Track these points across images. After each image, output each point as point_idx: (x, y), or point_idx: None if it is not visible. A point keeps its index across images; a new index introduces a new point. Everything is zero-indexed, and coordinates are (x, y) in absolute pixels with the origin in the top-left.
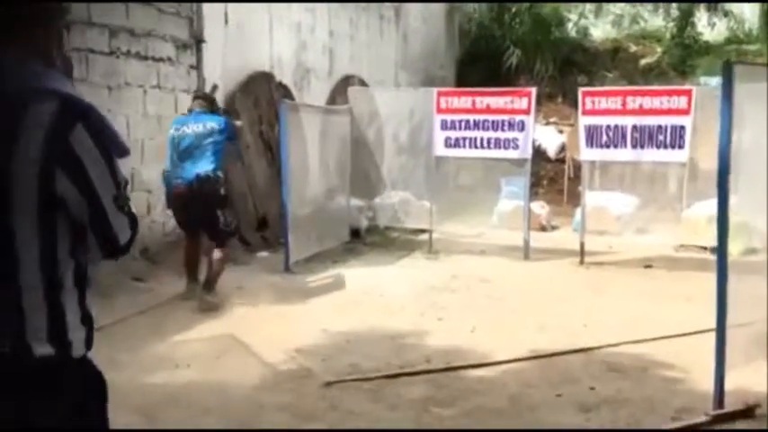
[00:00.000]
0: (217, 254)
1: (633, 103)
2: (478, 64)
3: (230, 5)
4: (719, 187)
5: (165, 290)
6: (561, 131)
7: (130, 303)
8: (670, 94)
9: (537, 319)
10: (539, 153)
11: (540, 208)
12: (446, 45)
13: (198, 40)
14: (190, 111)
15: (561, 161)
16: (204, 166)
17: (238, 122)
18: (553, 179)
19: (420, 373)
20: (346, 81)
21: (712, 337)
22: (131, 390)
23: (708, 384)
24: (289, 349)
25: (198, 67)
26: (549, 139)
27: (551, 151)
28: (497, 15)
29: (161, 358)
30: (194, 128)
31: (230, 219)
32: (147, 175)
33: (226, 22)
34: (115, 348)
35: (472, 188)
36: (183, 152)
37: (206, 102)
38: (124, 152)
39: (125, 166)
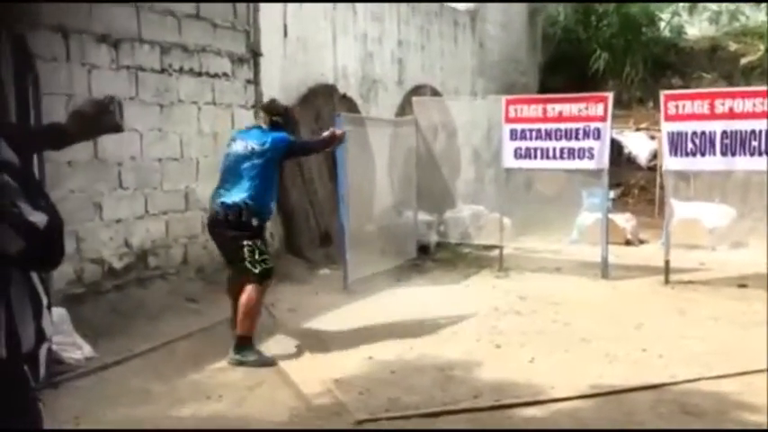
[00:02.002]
0: (245, 295)
1: (722, 106)
2: (563, 69)
3: (290, 18)
4: None
5: (217, 311)
6: (653, 137)
7: (179, 326)
8: (764, 95)
9: (606, 348)
10: (629, 161)
11: (626, 221)
12: (528, 50)
13: (255, 54)
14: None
15: (653, 169)
16: (235, 194)
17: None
18: (644, 188)
19: (464, 411)
20: (417, 91)
21: None
22: (152, 424)
23: None
24: (327, 380)
25: (255, 81)
26: (640, 145)
27: (642, 159)
28: (583, 17)
29: (195, 388)
30: (238, 146)
31: (263, 254)
32: (201, 193)
33: (285, 34)
34: (151, 377)
35: (552, 200)
36: (224, 173)
37: (267, 113)
38: None
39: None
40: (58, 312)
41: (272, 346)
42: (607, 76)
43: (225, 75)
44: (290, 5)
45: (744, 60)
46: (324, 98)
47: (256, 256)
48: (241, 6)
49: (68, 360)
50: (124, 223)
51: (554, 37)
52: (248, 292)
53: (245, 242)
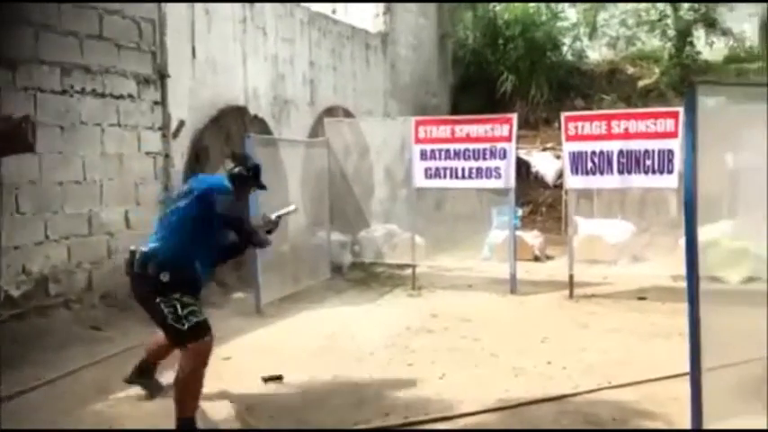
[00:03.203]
0: (181, 365)
1: (618, 127)
2: (473, 90)
3: (199, 39)
4: (687, 217)
5: (123, 339)
6: (558, 157)
7: (82, 355)
8: (656, 116)
9: (514, 363)
10: (537, 179)
11: (534, 238)
12: (438, 72)
13: (162, 75)
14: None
15: (559, 187)
16: (153, 241)
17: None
18: (552, 206)
19: (373, 430)
20: (329, 112)
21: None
22: None
23: None
24: (238, 404)
25: (163, 102)
26: (547, 164)
27: (549, 177)
28: (491, 41)
29: (98, 418)
30: (179, 191)
31: (186, 306)
32: (106, 217)
33: (194, 55)
34: (51, 409)
35: (465, 218)
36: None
37: (233, 161)
38: None
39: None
40: None
41: None
42: (515, 98)
43: (130, 96)
44: (198, 27)
45: (641, 83)
46: (234, 120)
47: (180, 311)
48: (147, 27)
49: None
50: (22, 249)
51: (464, 60)
52: (181, 365)
53: (158, 299)
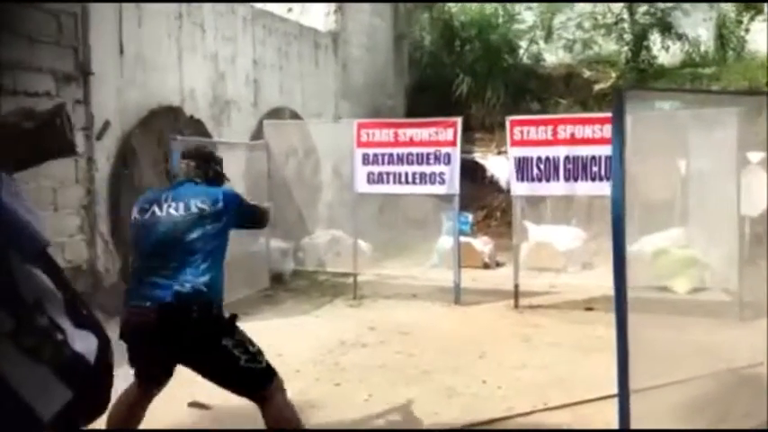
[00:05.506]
0: (275, 411)
1: (564, 132)
2: (429, 92)
3: (128, 35)
4: (614, 224)
5: None
6: None
7: None
8: (603, 122)
9: (447, 381)
10: (491, 183)
11: (484, 244)
12: (395, 74)
13: (85, 72)
14: (174, 178)
15: None
16: (189, 277)
17: (266, 205)
18: (506, 211)
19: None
20: (275, 113)
21: (644, 397)
22: None
23: None
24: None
25: (86, 101)
26: (502, 168)
27: (503, 181)
28: (447, 43)
29: None
30: (172, 209)
31: (254, 344)
32: None
33: (121, 52)
34: None
35: (416, 224)
36: (152, 253)
37: (198, 161)
38: None
39: None
40: None
41: None
42: (470, 101)
43: (48, 94)
44: (127, 22)
45: (597, 87)
46: (168, 121)
47: (250, 348)
48: (68, 21)
49: None
50: None
51: (420, 61)
52: (275, 405)
53: (226, 342)
